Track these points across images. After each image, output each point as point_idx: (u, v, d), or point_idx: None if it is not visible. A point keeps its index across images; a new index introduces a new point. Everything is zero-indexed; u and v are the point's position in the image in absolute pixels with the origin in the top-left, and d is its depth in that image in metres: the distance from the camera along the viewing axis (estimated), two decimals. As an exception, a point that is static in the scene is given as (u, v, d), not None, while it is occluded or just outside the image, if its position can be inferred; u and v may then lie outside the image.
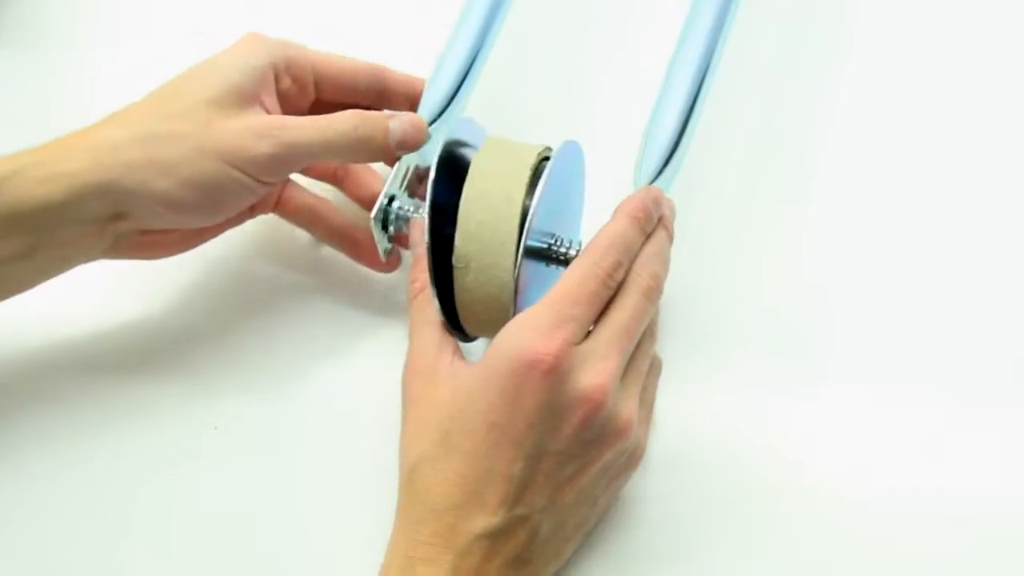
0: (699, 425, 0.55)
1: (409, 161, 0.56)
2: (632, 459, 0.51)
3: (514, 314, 0.49)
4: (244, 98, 0.52)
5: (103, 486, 0.55)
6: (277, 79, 0.54)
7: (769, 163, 0.62)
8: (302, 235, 0.60)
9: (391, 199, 0.55)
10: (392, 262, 0.58)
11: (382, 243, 0.57)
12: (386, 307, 0.59)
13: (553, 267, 0.52)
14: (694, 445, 0.54)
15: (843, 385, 0.56)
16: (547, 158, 0.51)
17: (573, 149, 0.52)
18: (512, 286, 0.49)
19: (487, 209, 0.49)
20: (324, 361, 0.58)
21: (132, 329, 0.58)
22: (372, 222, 0.55)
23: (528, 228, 0.49)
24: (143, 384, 0.57)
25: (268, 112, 0.54)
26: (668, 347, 0.55)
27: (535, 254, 0.51)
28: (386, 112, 0.55)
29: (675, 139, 0.54)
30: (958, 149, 0.62)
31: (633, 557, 0.52)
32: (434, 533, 0.46)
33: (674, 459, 0.54)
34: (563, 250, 0.51)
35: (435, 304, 0.50)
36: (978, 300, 0.58)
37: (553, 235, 0.52)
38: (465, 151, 0.53)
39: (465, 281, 0.50)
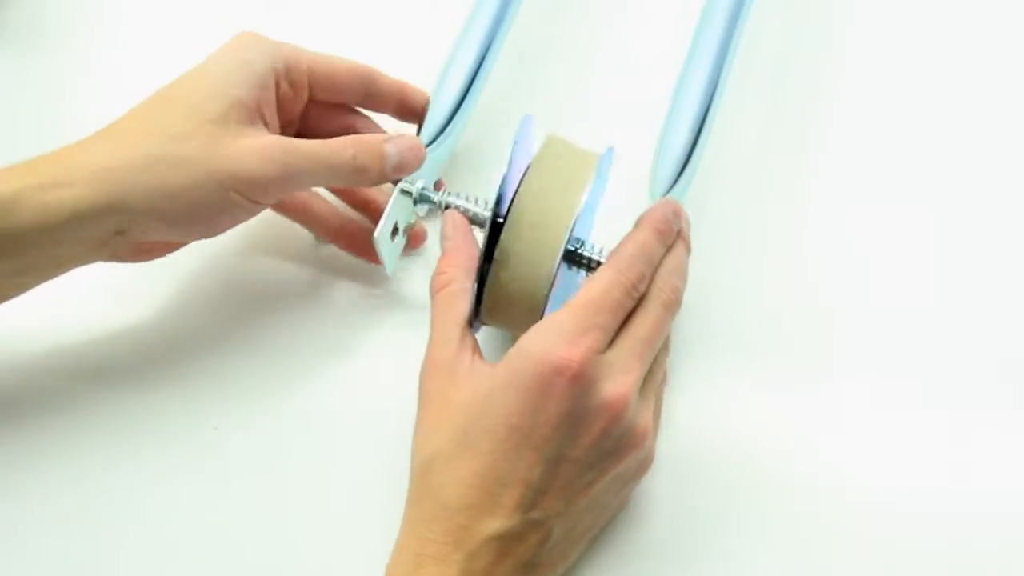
0: (707, 425, 0.55)
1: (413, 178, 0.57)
2: (642, 467, 0.51)
3: (540, 316, 0.49)
4: (247, 113, 0.52)
5: (106, 490, 0.55)
6: (276, 85, 0.54)
7: (772, 165, 0.62)
8: (300, 232, 0.60)
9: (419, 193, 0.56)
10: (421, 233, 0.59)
11: (391, 259, 0.57)
12: (388, 305, 0.59)
13: (574, 269, 0.53)
14: (702, 445, 0.55)
15: (850, 385, 0.56)
16: None
17: (610, 156, 0.53)
18: (547, 290, 0.49)
19: (541, 211, 0.49)
20: (325, 360, 0.58)
21: (128, 330, 0.58)
22: (377, 240, 0.55)
23: (569, 233, 0.49)
24: (139, 386, 0.57)
25: (266, 122, 0.54)
26: (675, 348, 0.55)
27: (566, 256, 0.51)
28: (382, 136, 0.55)
29: (688, 149, 0.55)
30: (959, 152, 0.63)
31: (643, 557, 0.52)
32: (445, 532, 0.46)
33: (682, 459, 0.54)
34: (588, 255, 0.52)
35: (470, 300, 0.50)
36: (982, 300, 0.59)
37: (579, 239, 0.52)
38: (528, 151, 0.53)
39: (500, 275, 0.50)
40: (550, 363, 0.46)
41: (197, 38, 0.66)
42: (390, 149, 0.54)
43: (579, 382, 0.46)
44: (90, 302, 0.58)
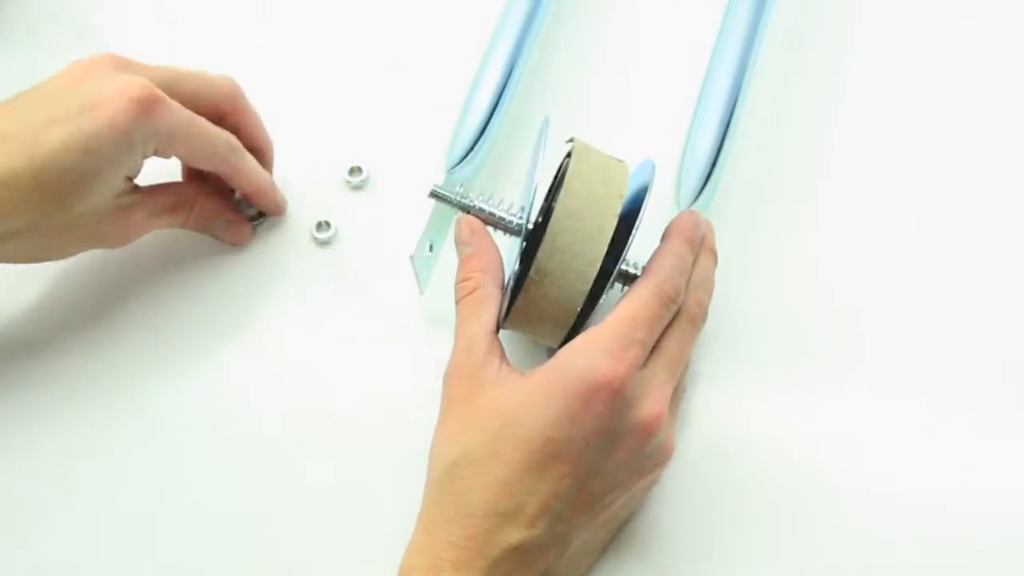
0: (723, 425, 0.55)
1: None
2: (654, 480, 0.52)
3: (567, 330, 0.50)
4: (129, 187, 0.54)
5: (110, 490, 0.54)
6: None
7: (787, 168, 0.62)
8: (298, 231, 0.60)
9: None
10: (244, 235, 0.59)
11: (426, 277, 0.56)
12: (393, 309, 0.58)
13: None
14: (718, 445, 0.55)
15: (866, 385, 0.56)
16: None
17: (652, 170, 0.52)
18: (578, 311, 0.50)
19: (577, 231, 0.49)
20: (327, 360, 0.57)
21: (121, 325, 0.58)
22: (414, 259, 0.54)
23: (603, 256, 0.49)
24: (137, 386, 0.56)
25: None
26: (693, 349, 0.54)
27: (601, 273, 0.50)
28: (217, 209, 0.58)
29: (713, 158, 0.56)
30: (965, 157, 0.63)
31: (659, 556, 0.52)
32: (467, 537, 0.46)
33: (698, 460, 0.54)
34: (623, 268, 0.51)
35: (497, 306, 0.50)
36: (1003, 303, 0.59)
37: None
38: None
39: (534, 293, 0.49)
40: (594, 379, 0.46)
41: (199, 39, 0.66)
42: (219, 228, 0.58)
43: (618, 398, 0.46)
44: (83, 295, 0.59)
